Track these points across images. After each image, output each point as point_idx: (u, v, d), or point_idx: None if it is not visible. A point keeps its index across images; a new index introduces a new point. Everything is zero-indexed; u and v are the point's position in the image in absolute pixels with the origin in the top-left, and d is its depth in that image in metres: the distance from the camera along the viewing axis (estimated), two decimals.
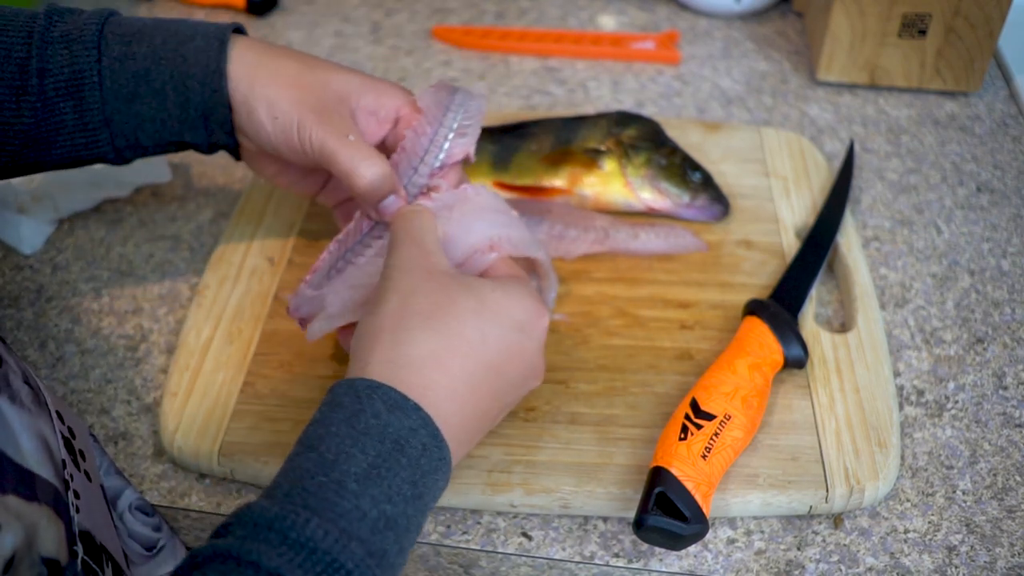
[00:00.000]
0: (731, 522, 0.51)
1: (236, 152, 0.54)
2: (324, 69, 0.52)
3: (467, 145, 0.53)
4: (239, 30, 0.53)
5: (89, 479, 0.42)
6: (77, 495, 0.39)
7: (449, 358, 0.41)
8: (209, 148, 0.54)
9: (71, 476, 0.39)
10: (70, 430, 0.42)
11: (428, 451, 0.39)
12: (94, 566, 0.38)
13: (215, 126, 0.52)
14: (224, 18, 0.92)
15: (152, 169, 0.68)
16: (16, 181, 0.64)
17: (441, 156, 0.52)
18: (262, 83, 0.50)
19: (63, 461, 0.39)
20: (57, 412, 0.41)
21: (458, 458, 0.42)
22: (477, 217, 0.50)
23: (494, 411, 0.44)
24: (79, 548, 0.38)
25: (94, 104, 0.50)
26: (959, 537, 0.50)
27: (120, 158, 0.53)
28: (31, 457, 0.36)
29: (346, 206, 0.58)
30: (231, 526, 0.35)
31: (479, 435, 0.44)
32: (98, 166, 0.57)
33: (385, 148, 0.54)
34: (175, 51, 0.50)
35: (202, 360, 0.57)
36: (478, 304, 0.43)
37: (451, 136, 0.52)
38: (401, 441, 0.38)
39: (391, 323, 0.42)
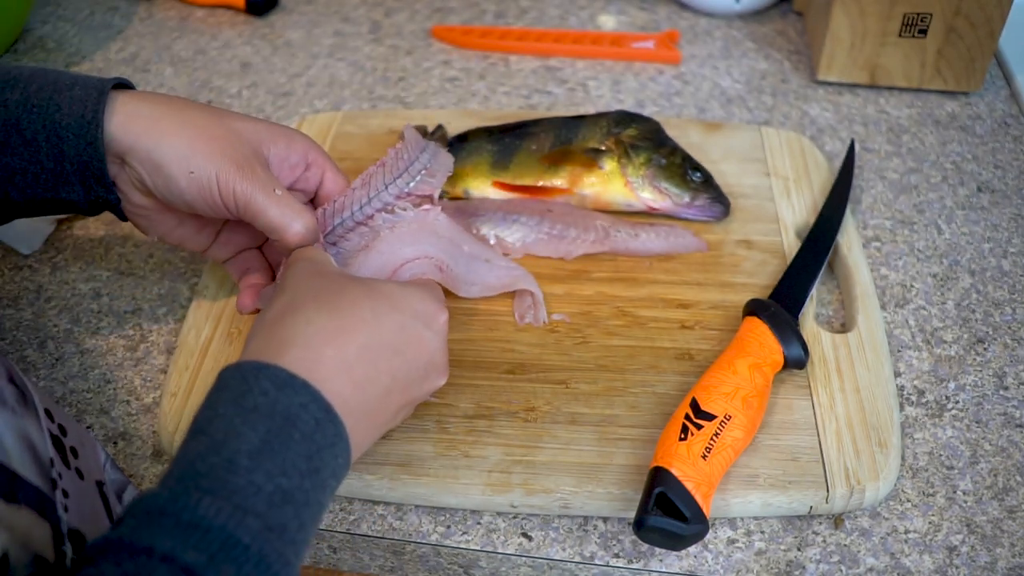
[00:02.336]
0: (731, 522, 0.51)
1: (119, 211, 0.51)
2: (230, 118, 0.50)
3: (434, 186, 0.57)
4: (126, 84, 0.50)
5: (81, 476, 0.42)
6: (66, 494, 0.39)
7: (340, 334, 0.41)
8: (89, 206, 0.50)
9: (59, 475, 0.39)
10: (60, 427, 0.42)
11: (322, 426, 0.39)
12: None
13: (92, 182, 0.49)
14: (224, 18, 0.92)
15: None
16: None
17: (412, 184, 0.56)
18: (169, 136, 0.48)
19: (50, 460, 0.39)
20: (46, 410, 0.41)
21: (360, 438, 0.41)
22: (429, 236, 0.54)
23: (397, 395, 0.44)
24: (68, 548, 0.37)
25: None
26: (960, 537, 0.50)
27: None
28: (14, 458, 0.36)
29: (237, 259, 0.57)
30: (124, 517, 0.34)
31: (383, 418, 0.43)
32: None
33: (294, 190, 0.54)
34: (49, 99, 0.47)
35: (202, 360, 0.57)
36: (371, 291, 0.44)
37: (423, 172, 0.57)
38: (292, 417, 0.38)
39: (281, 311, 0.42)
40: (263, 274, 0.57)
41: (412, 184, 0.56)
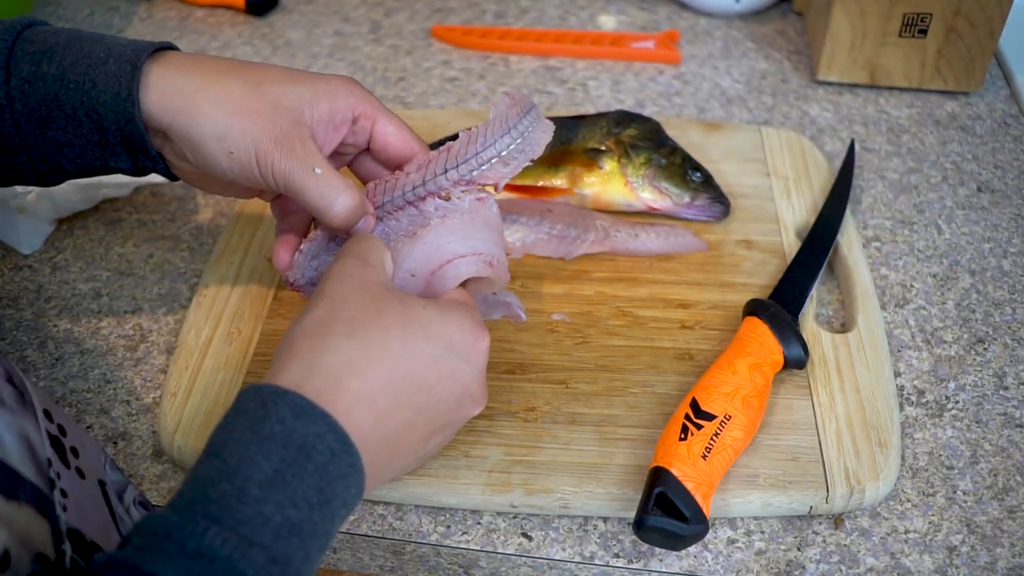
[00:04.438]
0: (731, 522, 0.51)
1: (169, 174, 0.51)
2: (270, 83, 0.48)
3: (505, 175, 0.51)
4: (168, 47, 0.49)
5: (82, 476, 0.42)
6: (65, 493, 0.39)
7: (365, 365, 0.41)
8: (138, 172, 0.51)
9: (58, 474, 0.39)
10: (60, 427, 0.42)
11: (337, 457, 0.38)
12: (84, 565, 0.38)
13: (138, 153, 0.49)
14: (224, 18, 0.92)
15: None
16: None
17: (475, 173, 0.51)
18: (205, 113, 0.46)
19: (48, 460, 0.39)
20: (45, 410, 0.41)
21: (379, 470, 0.41)
22: (482, 228, 0.50)
23: (421, 427, 0.43)
24: (67, 547, 0.37)
25: (6, 127, 0.47)
26: (960, 537, 0.50)
27: (45, 182, 0.50)
28: (13, 456, 0.36)
29: (279, 199, 0.55)
30: (132, 536, 0.35)
31: (406, 449, 0.43)
32: None
33: (344, 148, 0.53)
34: (84, 75, 0.47)
35: (202, 360, 0.57)
36: (406, 318, 0.43)
37: (494, 161, 0.50)
38: (307, 447, 0.38)
39: (313, 330, 0.42)
40: (298, 225, 0.54)
41: (476, 173, 0.50)
